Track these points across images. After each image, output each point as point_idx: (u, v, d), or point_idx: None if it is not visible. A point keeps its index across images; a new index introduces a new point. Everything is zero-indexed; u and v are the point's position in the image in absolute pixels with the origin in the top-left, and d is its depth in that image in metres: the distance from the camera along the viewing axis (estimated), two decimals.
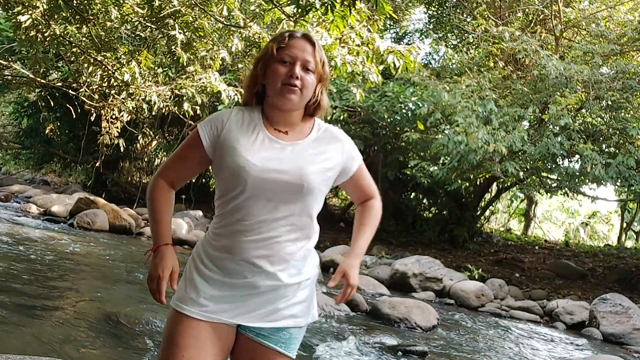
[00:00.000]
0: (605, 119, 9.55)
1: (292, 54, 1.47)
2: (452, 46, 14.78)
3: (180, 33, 5.68)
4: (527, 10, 12.80)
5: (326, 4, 3.65)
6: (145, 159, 16.89)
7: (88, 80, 7.14)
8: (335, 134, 1.58)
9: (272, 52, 1.48)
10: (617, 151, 9.09)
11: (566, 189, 9.79)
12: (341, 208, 16.22)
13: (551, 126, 9.53)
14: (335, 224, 13.71)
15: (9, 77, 10.13)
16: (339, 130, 1.60)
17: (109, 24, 6.02)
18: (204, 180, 16.20)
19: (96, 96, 7.88)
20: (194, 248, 1.57)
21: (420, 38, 16.47)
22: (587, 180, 9.06)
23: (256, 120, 1.53)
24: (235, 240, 1.45)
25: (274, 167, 1.44)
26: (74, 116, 10.14)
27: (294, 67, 1.46)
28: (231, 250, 1.46)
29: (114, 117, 8.48)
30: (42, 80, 8.79)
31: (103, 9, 5.94)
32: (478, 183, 12.53)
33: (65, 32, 6.09)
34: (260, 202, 1.44)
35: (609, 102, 9.19)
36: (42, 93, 12.31)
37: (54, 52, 8.08)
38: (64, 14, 5.73)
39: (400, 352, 4.59)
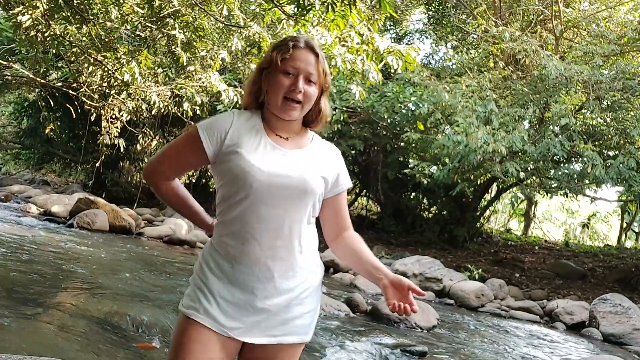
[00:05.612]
0: (605, 120, 9.53)
1: (296, 66, 1.48)
2: (452, 46, 14.77)
3: (180, 33, 5.69)
4: (527, 10, 12.79)
5: (327, 4, 3.65)
6: (145, 159, 16.88)
7: (88, 80, 7.14)
8: (331, 149, 1.63)
9: (276, 63, 1.48)
10: (617, 152, 9.07)
11: (566, 189, 9.78)
12: None
13: (552, 126, 9.52)
14: None
15: (9, 77, 10.13)
16: (334, 146, 1.66)
17: (109, 24, 6.02)
18: (204, 180, 16.19)
19: (96, 96, 7.88)
20: (201, 252, 1.56)
21: (420, 38, 16.47)
22: (587, 181, 9.05)
23: (258, 126, 1.53)
24: (240, 248, 1.45)
25: (279, 172, 1.44)
26: (74, 116, 10.12)
27: (297, 80, 1.47)
28: (236, 258, 1.46)
29: (113, 117, 8.48)
30: (42, 80, 8.79)
31: (103, 9, 5.94)
32: (478, 183, 12.52)
33: (65, 32, 6.09)
34: (264, 208, 1.44)
35: (609, 103, 9.18)
36: (42, 93, 12.29)
37: (54, 52, 8.08)
38: (64, 14, 5.73)
39: (400, 352, 4.58)
